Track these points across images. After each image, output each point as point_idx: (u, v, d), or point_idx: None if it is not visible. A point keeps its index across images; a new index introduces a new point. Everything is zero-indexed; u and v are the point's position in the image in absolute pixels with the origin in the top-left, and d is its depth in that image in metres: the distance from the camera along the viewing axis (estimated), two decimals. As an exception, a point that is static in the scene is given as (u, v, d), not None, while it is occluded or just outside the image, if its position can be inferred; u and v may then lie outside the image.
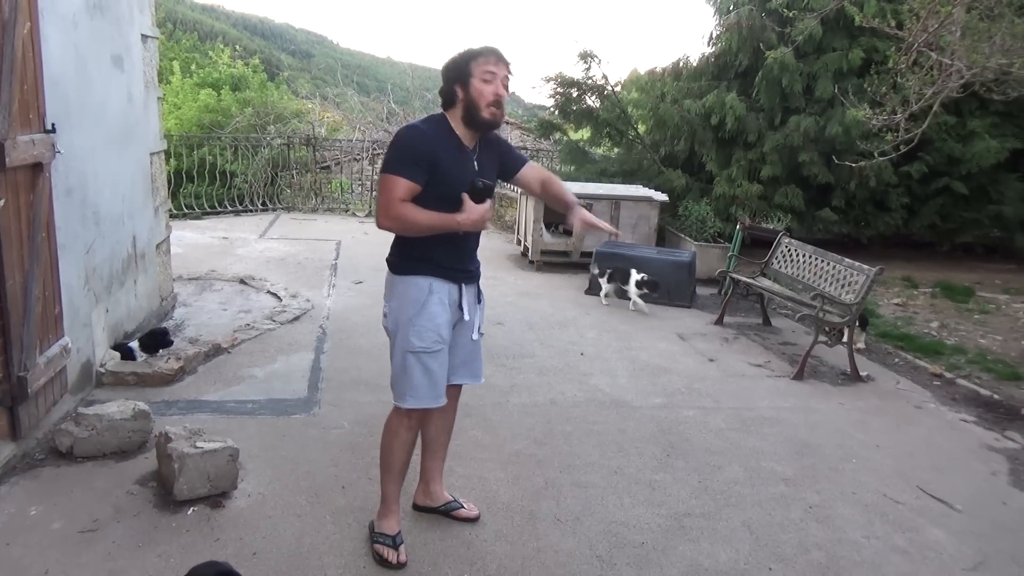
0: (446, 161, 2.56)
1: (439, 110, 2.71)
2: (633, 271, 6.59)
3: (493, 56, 2.56)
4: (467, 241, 2.72)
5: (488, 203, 2.62)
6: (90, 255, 4.11)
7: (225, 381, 4.41)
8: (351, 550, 2.82)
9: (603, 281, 6.84)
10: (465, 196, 2.55)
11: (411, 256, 2.67)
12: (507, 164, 2.85)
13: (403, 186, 2.50)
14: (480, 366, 2.93)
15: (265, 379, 4.49)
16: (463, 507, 3.07)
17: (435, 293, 2.66)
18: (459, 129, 2.63)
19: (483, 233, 2.78)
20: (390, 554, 2.75)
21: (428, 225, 2.55)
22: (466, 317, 2.75)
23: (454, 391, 2.95)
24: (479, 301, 2.86)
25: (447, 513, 3.05)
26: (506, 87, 2.58)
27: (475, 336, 2.84)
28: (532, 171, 2.92)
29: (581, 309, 6.71)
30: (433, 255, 2.66)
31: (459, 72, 2.58)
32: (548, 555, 2.89)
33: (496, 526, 3.05)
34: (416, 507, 3.09)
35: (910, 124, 6.01)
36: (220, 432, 3.38)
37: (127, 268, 4.75)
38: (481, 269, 2.89)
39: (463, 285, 2.74)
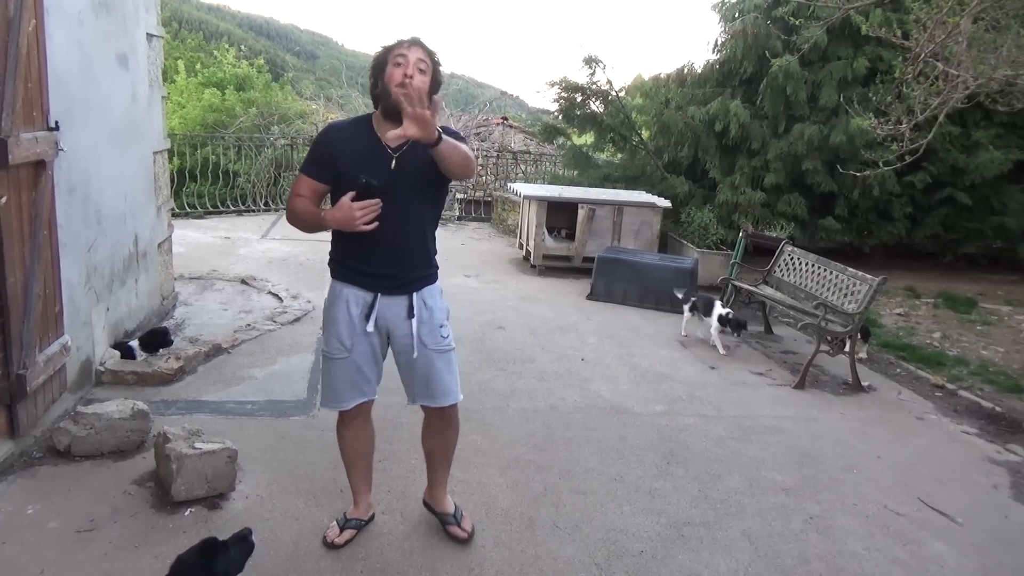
0: (347, 159, 2.48)
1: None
2: (718, 303, 5.79)
3: (407, 42, 2.47)
4: (380, 243, 2.51)
5: (372, 202, 2.41)
6: (91, 253, 4.10)
7: (225, 381, 4.40)
8: (348, 554, 2.81)
9: (685, 309, 6.12)
10: (347, 195, 2.42)
11: (332, 258, 2.67)
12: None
13: (303, 183, 2.56)
14: (441, 386, 2.71)
15: (265, 380, 4.48)
16: (457, 525, 2.98)
17: (343, 300, 2.62)
18: (379, 126, 2.51)
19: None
20: (331, 531, 2.89)
21: (305, 220, 2.54)
22: (369, 328, 2.60)
23: (434, 411, 2.81)
24: (411, 315, 2.61)
25: (441, 523, 3.01)
26: (422, 70, 2.42)
27: (415, 354, 2.64)
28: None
29: (582, 314, 6.70)
30: (343, 258, 2.63)
31: (377, 65, 2.50)
32: (546, 562, 2.87)
33: (495, 532, 3.04)
34: (424, 502, 3.09)
35: (915, 134, 6.00)
36: (219, 433, 3.37)
37: (128, 267, 4.75)
38: (435, 280, 2.71)
39: (379, 294, 2.59)
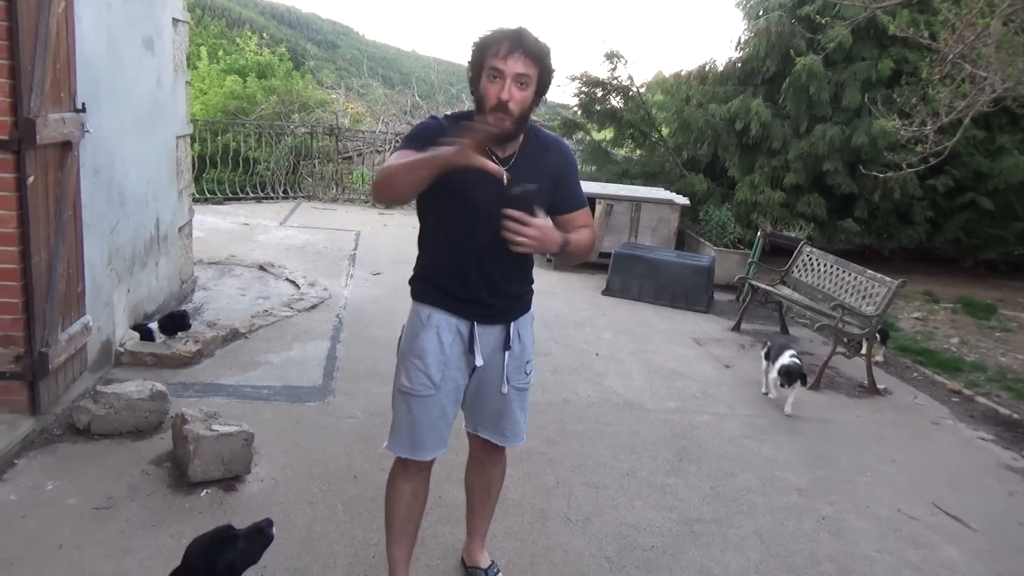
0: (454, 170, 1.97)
1: (465, 106, 2.42)
2: (788, 352, 4.69)
3: (504, 45, 2.00)
4: (482, 264, 2.15)
5: (537, 215, 1.99)
6: (114, 235, 4.15)
7: (241, 366, 4.44)
8: (361, 540, 2.83)
9: (764, 360, 5.00)
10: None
11: (417, 275, 2.30)
12: (559, 195, 2.23)
13: (398, 154, 2.04)
14: (513, 425, 2.39)
15: (281, 365, 4.51)
16: None
17: (433, 327, 2.22)
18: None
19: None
20: None
21: (400, 168, 1.95)
22: (478, 362, 2.24)
23: (485, 445, 2.47)
24: (507, 347, 2.27)
25: None
26: (521, 83, 2.01)
27: (504, 389, 2.30)
28: (578, 223, 2.27)
29: (597, 309, 6.70)
30: (435, 277, 2.23)
31: (474, 64, 2.09)
32: (557, 554, 2.89)
33: (506, 523, 3.05)
34: (462, 563, 2.76)
35: (939, 137, 5.94)
36: (235, 416, 3.40)
37: (149, 250, 4.79)
38: (530, 307, 2.37)
39: (476, 323, 2.22)
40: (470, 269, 2.17)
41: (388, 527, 2.43)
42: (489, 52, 2.03)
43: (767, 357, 4.89)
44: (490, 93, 2.03)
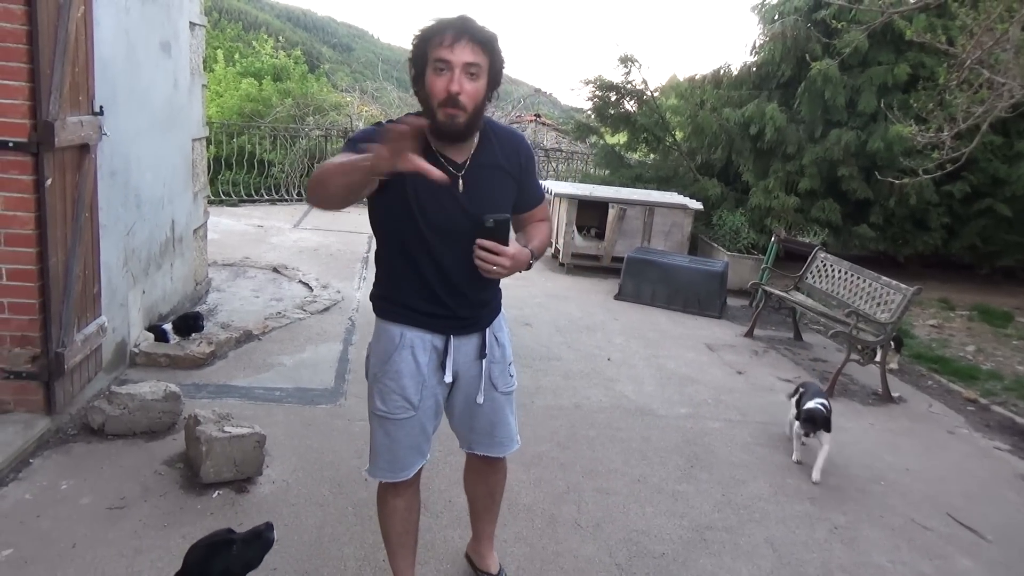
0: (404, 182, 1.89)
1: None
2: (817, 398, 3.93)
3: (449, 34, 1.83)
4: (447, 278, 2.04)
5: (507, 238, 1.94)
6: (130, 237, 4.18)
7: (255, 367, 4.47)
8: (371, 543, 2.83)
9: (793, 407, 4.15)
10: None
11: (380, 293, 2.16)
12: (521, 192, 2.15)
13: (338, 156, 1.83)
14: (507, 432, 2.33)
15: (293, 368, 4.53)
16: None
17: (407, 347, 2.10)
18: (433, 138, 1.95)
19: (512, 237, 2.03)
20: None
21: (334, 169, 1.75)
22: (447, 378, 2.15)
23: (483, 458, 2.41)
24: (482, 355, 2.19)
25: None
26: (471, 73, 1.85)
27: (479, 400, 2.22)
28: (536, 218, 2.25)
29: (610, 314, 6.68)
30: (401, 294, 2.09)
31: (416, 59, 1.91)
32: (567, 560, 2.88)
33: (516, 528, 3.05)
34: (466, 556, 2.76)
35: (956, 143, 5.89)
36: (248, 418, 3.42)
37: (165, 251, 4.83)
38: (501, 308, 2.30)
39: (452, 336, 2.13)
40: (436, 285, 2.05)
41: (387, 541, 2.38)
42: (433, 43, 1.85)
43: (798, 404, 4.00)
44: (437, 87, 1.85)
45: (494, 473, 2.50)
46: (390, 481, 2.25)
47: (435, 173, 1.66)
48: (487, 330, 2.21)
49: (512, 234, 2.04)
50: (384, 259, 2.14)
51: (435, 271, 2.03)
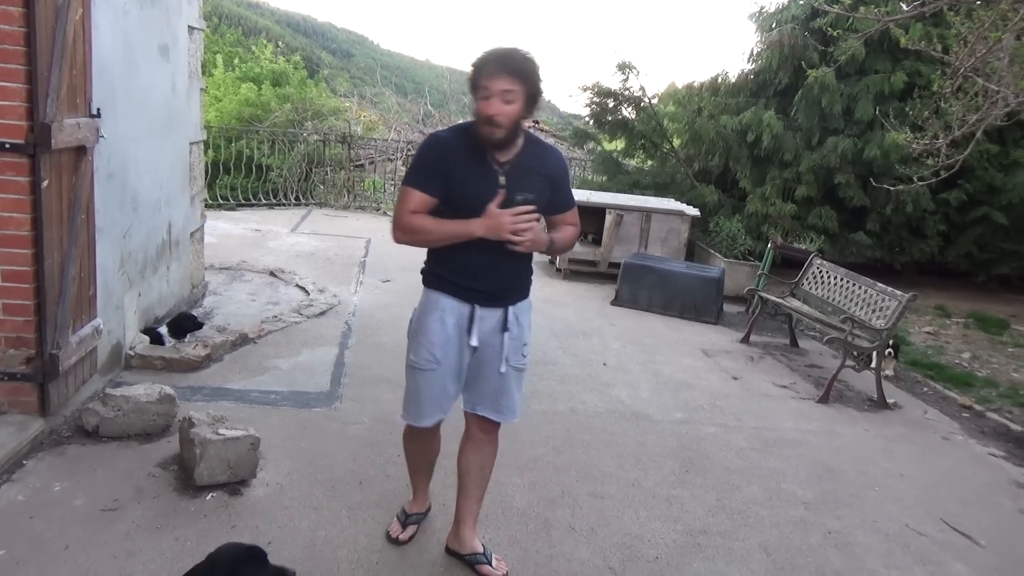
0: (458, 172, 2.40)
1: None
2: None
3: (490, 66, 2.31)
4: (481, 257, 2.45)
5: (526, 217, 2.37)
6: (127, 239, 4.19)
7: (250, 371, 4.46)
8: (365, 546, 2.83)
9: None
10: (492, 204, 2.37)
11: (427, 268, 2.60)
12: (554, 197, 2.57)
13: (415, 198, 2.41)
14: (510, 403, 2.65)
15: (289, 371, 4.53)
16: (489, 564, 2.74)
17: (439, 310, 2.52)
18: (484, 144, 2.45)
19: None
20: (394, 528, 2.90)
21: (441, 234, 2.41)
22: (473, 342, 2.52)
23: (481, 423, 2.70)
24: (506, 329, 2.55)
25: (471, 565, 2.75)
26: (507, 100, 2.30)
27: (502, 369, 2.57)
28: (567, 222, 2.67)
29: (606, 319, 6.69)
30: (441, 267, 2.53)
31: (471, 83, 2.40)
32: (560, 563, 2.88)
33: (510, 531, 3.04)
34: (447, 550, 2.85)
35: (951, 150, 5.91)
36: (242, 420, 3.41)
37: (161, 254, 4.83)
38: (528, 294, 2.66)
39: (476, 307, 2.51)
40: (470, 260, 2.46)
41: (407, 464, 2.95)
42: (480, 72, 2.33)
43: None
44: (482, 108, 2.33)
45: (488, 444, 2.77)
46: (413, 424, 2.68)
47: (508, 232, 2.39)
48: (510, 308, 2.57)
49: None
50: None
51: (470, 251, 2.44)
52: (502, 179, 2.42)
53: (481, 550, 2.78)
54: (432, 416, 2.63)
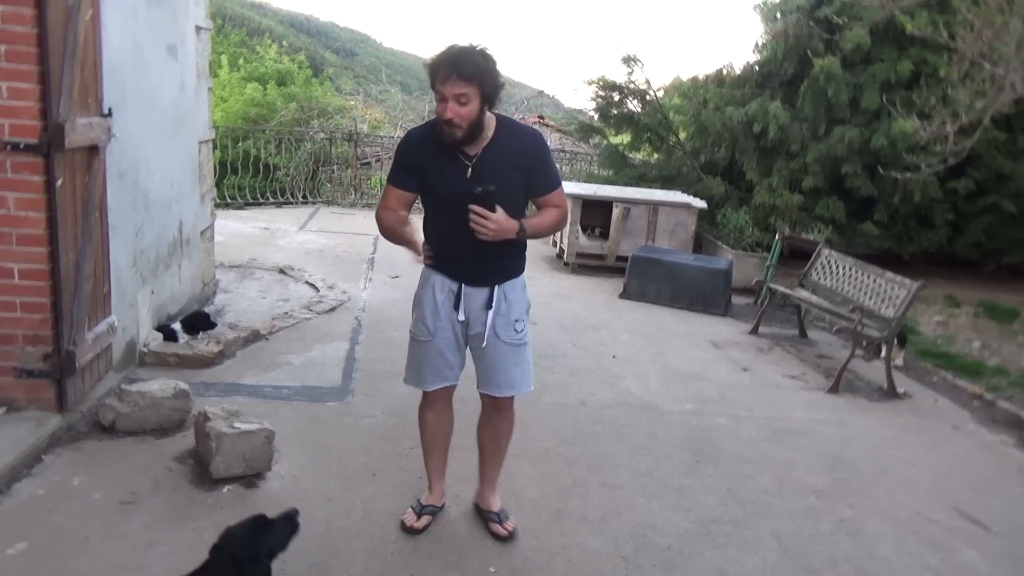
0: (428, 167, 2.58)
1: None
2: None
3: (442, 72, 2.41)
4: (464, 242, 2.55)
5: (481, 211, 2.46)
6: (139, 237, 4.23)
7: (262, 366, 4.50)
8: (379, 536, 2.87)
9: None
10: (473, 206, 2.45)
11: (423, 246, 2.77)
12: (531, 181, 2.65)
13: (391, 194, 2.67)
14: (505, 378, 2.78)
15: (301, 366, 4.57)
16: (500, 523, 2.96)
17: (430, 286, 2.73)
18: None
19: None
20: (408, 517, 2.95)
21: (395, 238, 2.69)
22: (460, 317, 2.69)
23: (489, 398, 2.87)
24: (488, 307, 2.69)
25: (485, 520, 3.01)
26: (461, 102, 2.41)
27: (484, 343, 2.72)
28: (551, 204, 2.72)
29: (614, 312, 6.70)
30: (432, 247, 2.73)
31: (430, 86, 2.51)
32: (574, 552, 2.90)
33: (523, 521, 3.07)
34: (475, 505, 3.10)
35: (959, 138, 5.89)
36: (256, 415, 3.44)
37: (173, 252, 4.88)
38: (520, 274, 2.77)
39: (463, 285, 2.68)
40: (454, 243, 2.62)
41: (422, 445, 3.00)
42: (434, 78, 2.44)
43: None
44: (439, 111, 2.46)
45: (501, 420, 2.92)
46: (415, 388, 2.85)
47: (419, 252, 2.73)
48: (497, 287, 2.69)
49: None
50: (426, 224, 2.77)
51: (450, 233, 2.60)
52: (469, 172, 2.55)
53: (496, 509, 3.00)
54: (434, 381, 2.80)
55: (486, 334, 2.70)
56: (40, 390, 3.30)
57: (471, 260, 2.65)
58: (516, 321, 2.74)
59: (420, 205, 2.77)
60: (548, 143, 3.08)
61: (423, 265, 2.78)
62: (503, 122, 2.62)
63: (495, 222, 2.46)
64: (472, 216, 2.45)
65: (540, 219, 2.69)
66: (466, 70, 2.39)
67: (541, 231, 2.71)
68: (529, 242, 2.73)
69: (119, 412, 3.42)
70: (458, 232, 2.54)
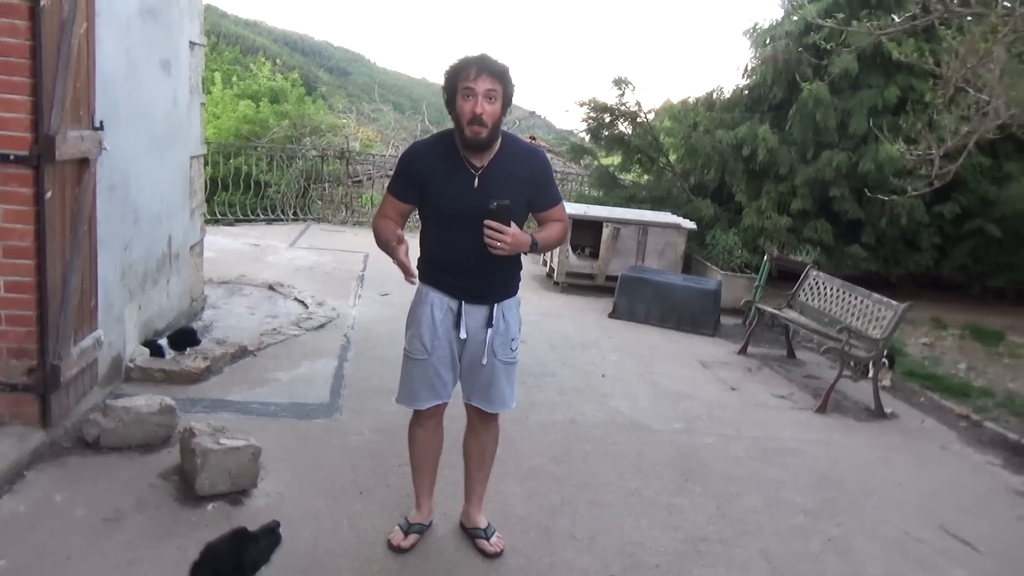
0: (434, 180, 2.58)
1: None
2: None
3: (472, 69, 2.45)
4: (467, 258, 2.58)
5: (497, 226, 2.45)
6: (127, 252, 4.21)
7: (250, 383, 4.47)
8: (366, 555, 2.84)
9: None
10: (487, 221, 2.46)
11: (420, 261, 2.77)
12: (535, 196, 2.69)
13: (388, 203, 2.69)
14: (498, 394, 2.78)
15: (289, 383, 4.54)
16: (487, 540, 2.95)
17: (428, 303, 2.70)
18: (461, 147, 2.57)
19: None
20: (395, 535, 2.92)
21: (382, 242, 2.66)
22: (462, 335, 2.68)
23: (477, 412, 2.87)
24: (490, 325, 2.69)
25: (473, 538, 2.99)
26: (490, 98, 2.45)
27: (484, 360, 2.71)
28: (553, 218, 2.77)
29: (604, 331, 6.71)
30: (432, 264, 2.71)
31: (448, 88, 2.53)
32: (562, 571, 2.89)
33: (511, 540, 3.04)
34: (460, 524, 3.08)
35: (944, 162, 5.97)
36: (243, 432, 3.41)
37: (161, 267, 4.85)
38: (516, 293, 2.79)
39: (463, 302, 2.67)
40: (456, 260, 2.63)
41: (411, 462, 2.98)
42: (461, 76, 2.46)
43: None
44: (465, 109, 2.45)
45: (486, 432, 2.92)
46: (406, 407, 2.83)
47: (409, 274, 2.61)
48: (496, 305, 2.69)
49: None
50: (425, 239, 2.76)
51: (453, 249, 2.61)
52: (476, 182, 2.56)
53: (483, 526, 2.99)
54: (427, 399, 2.77)
55: (485, 351, 2.70)
56: (23, 404, 3.26)
57: (475, 277, 2.64)
58: (512, 340, 2.76)
59: (417, 217, 2.78)
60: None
61: (417, 283, 2.76)
62: (507, 137, 2.66)
63: (512, 236, 2.46)
64: (487, 232, 2.45)
65: (548, 232, 2.75)
66: (495, 68, 2.46)
67: (550, 244, 2.79)
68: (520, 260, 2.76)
69: (104, 428, 3.39)
70: (460, 244, 2.55)
